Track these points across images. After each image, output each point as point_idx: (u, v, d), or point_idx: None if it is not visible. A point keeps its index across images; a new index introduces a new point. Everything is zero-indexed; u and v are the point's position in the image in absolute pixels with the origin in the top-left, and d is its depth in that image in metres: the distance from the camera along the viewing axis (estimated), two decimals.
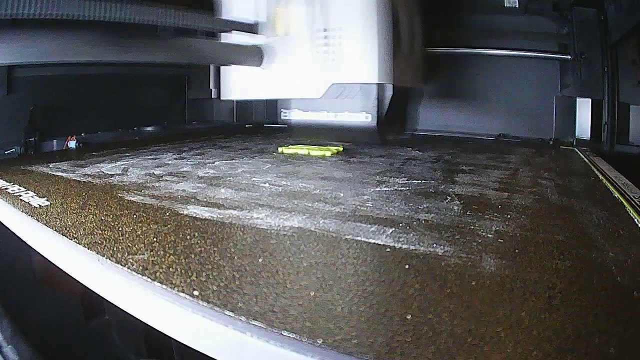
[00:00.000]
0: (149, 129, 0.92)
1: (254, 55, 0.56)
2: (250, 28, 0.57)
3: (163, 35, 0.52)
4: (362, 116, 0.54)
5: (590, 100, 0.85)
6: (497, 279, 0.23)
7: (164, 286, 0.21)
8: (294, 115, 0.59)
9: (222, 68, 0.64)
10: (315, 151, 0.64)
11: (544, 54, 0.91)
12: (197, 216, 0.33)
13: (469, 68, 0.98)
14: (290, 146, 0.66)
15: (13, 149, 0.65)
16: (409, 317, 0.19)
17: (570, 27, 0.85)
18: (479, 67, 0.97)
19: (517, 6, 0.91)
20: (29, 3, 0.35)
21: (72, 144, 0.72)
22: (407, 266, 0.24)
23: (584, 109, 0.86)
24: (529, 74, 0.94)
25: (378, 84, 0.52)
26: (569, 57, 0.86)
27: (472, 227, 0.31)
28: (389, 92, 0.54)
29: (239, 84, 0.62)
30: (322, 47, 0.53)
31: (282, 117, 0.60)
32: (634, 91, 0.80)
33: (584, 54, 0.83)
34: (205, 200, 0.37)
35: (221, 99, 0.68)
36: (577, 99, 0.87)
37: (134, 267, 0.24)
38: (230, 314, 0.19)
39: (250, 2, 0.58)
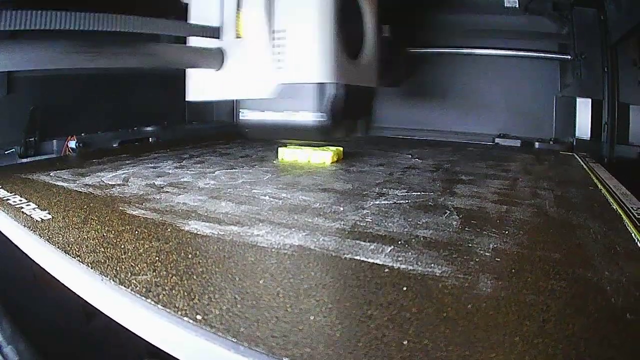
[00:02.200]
0: (149, 129, 0.92)
1: (214, 58, 0.57)
2: (213, 32, 0.57)
3: (128, 41, 0.52)
4: (314, 115, 0.54)
5: (590, 100, 0.85)
6: (493, 302, 0.23)
7: (167, 309, 0.22)
8: (251, 116, 0.60)
9: (187, 70, 0.64)
10: (316, 155, 0.64)
11: (544, 54, 0.91)
12: (198, 233, 0.33)
13: (469, 68, 0.98)
14: (290, 147, 0.66)
15: (13, 149, 0.65)
16: (405, 342, 0.19)
17: (570, 27, 0.85)
18: (479, 67, 0.97)
19: (517, 6, 0.91)
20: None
21: (72, 144, 0.72)
22: (404, 288, 0.25)
23: (584, 109, 0.86)
24: (529, 74, 0.94)
25: (327, 83, 0.52)
26: (569, 57, 0.86)
27: (469, 245, 0.31)
28: (338, 91, 0.53)
29: (196, 85, 0.63)
30: (272, 48, 0.54)
31: (241, 118, 0.61)
32: (634, 91, 0.80)
33: (584, 54, 0.83)
34: (206, 215, 0.38)
35: (185, 100, 0.69)
36: (577, 99, 0.87)
37: (138, 288, 0.24)
38: (233, 339, 0.20)
39: (214, 7, 0.59)
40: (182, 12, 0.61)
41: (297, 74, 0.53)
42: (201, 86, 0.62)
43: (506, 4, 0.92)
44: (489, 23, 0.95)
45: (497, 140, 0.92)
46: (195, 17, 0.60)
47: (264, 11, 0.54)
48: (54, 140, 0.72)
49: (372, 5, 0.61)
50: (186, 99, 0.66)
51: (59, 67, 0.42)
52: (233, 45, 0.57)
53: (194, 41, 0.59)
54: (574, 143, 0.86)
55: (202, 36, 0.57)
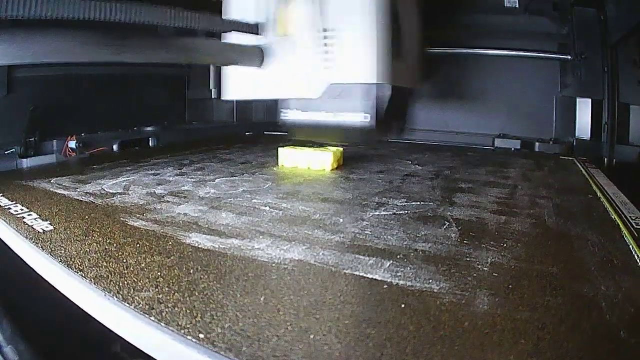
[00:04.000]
0: (149, 129, 0.92)
1: (254, 56, 0.56)
2: (251, 28, 0.57)
3: (162, 35, 0.51)
4: (361, 116, 0.53)
5: (590, 100, 0.85)
6: (489, 319, 0.24)
7: (170, 327, 0.22)
8: (292, 115, 0.59)
9: (223, 67, 0.64)
10: (316, 161, 0.64)
11: (544, 54, 0.91)
12: (200, 246, 0.33)
13: (469, 68, 0.98)
14: (289, 147, 0.66)
15: (13, 149, 0.66)
16: None
17: (570, 27, 0.85)
18: (479, 67, 0.98)
19: (517, 6, 0.91)
20: (26, 4, 0.35)
21: (72, 144, 0.72)
22: (402, 305, 0.25)
23: (584, 109, 0.87)
24: (529, 74, 0.94)
25: (376, 84, 0.52)
26: (569, 57, 0.86)
27: (468, 259, 0.32)
28: (387, 92, 0.53)
29: (237, 83, 0.62)
30: (321, 47, 0.53)
31: (282, 117, 0.60)
32: (634, 91, 0.80)
33: (584, 54, 0.83)
34: (206, 226, 0.38)
35: (221, 98, 0.68)
36: (577, 99, 0.87)
37: (141, 305, 0.24)
38: (235, 358, 0.20)
39: (251, 3, 0.58)
40: (215, 6, 0.59)
41: (348, 74, 0.53)
42: (240, 84, 0.61)
43: (506, 4, 0.92)
44: (488, 23, 0.95)
45: (496, 140, 0.92)
46: (231, 12, 0.59)
47: (314, 9, 0.53)
48: (54, 140, 0.72)
49: (414, 4, 0.60)
50: (222, 98, 0.65)
51: (93, 60, 0.41)
52: (278, 42, 0.56)
53: (233, 38, 0.58)
54: (574, 143, 0.87)
55: (244, 32, 0.55)
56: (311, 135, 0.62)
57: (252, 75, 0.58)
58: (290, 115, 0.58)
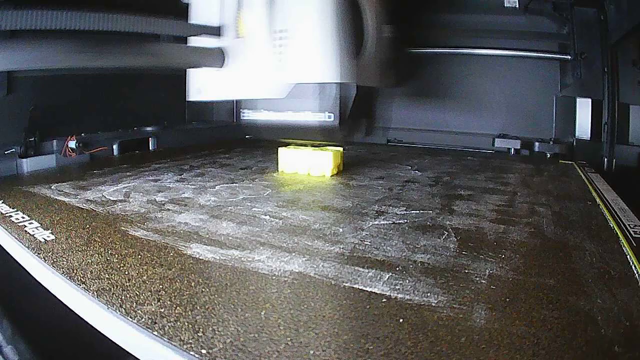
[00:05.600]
0: (149, 129, 0.92)
1: (216, 57, 0.57)
2: (214, 31, 0.58)
3: (130, 41, 0.52)
4: (325, 116, 0.54)
5: (590, 100, 0.86)
6: (485, 335, 0.24)
7: (173, 343, 0.23)
8: (253, 116, 0.59)
9: (188, 70, 0.64)
10: (316, 166, 0.64)
11: (544, 54, 0.91)
12: (200, 257, 0.34)
13: (469, 68, 0.99)
14: (290, 147, 0.66)
15: (13, 149, 0.66)
16: None
17: (570, 27, 0.86)
18: (480, 68, 0.98)
19: (517, 6, 0.91)
20: (20, 18, 0.37)
21: (72, 144, 0.73)
22: (401, 320, 0.25)
23: (584, 109, 0.87)
24: (529, 74, 0.95)
25: (340, 83, 0.52)
26: (569, 57, 0.86)
27: (466, 271, 0.32)
28: (352, 92, 0.54)
29: (201, 84, 0.62)
30: (282, 47, 0.54)
31: (242, 117, 0.61)
32: (634, 91, 0.81)
33: (584, 54, 0.84)
34: (207, 236, 0.38)
35: (186, 100, 0.69)
36: (577, 99, 0.88)
37: (143, 320, 0.25)
38: None
39: (214, 6, 0.59)
40: (182, 12, 0.60)
41: (300, 73, 0.53)
42: (204, 86, 0.61)
43: (506, 4, 0.92)
44: (489, 23, 0.95)
45: (496, 140, 0.93)
46: (196, 16, 0.60)
47: (264, 11, 0.53)
48: (54, 140, 0.72)
49: (372, 3, 0.61)
50: (187, 99, 0.66)
51: (60, 66, 0.43)
52: (235, 44, 0.56)
53: (196, 41, 0.59)
54: (574, 143, 0.87)
55: (203, 35, 0.57)
56: (276, 135, 0.62)
57: (217, 77, 0.58)
58: (250, 115, 0.58)
